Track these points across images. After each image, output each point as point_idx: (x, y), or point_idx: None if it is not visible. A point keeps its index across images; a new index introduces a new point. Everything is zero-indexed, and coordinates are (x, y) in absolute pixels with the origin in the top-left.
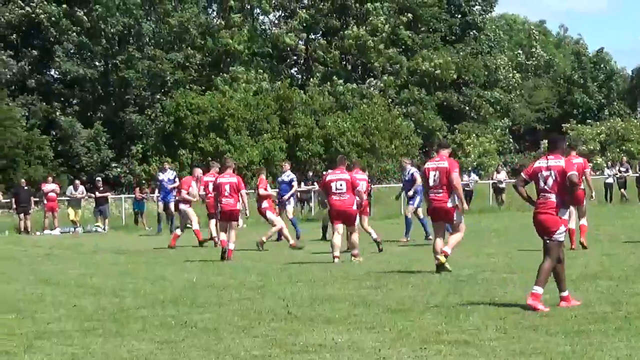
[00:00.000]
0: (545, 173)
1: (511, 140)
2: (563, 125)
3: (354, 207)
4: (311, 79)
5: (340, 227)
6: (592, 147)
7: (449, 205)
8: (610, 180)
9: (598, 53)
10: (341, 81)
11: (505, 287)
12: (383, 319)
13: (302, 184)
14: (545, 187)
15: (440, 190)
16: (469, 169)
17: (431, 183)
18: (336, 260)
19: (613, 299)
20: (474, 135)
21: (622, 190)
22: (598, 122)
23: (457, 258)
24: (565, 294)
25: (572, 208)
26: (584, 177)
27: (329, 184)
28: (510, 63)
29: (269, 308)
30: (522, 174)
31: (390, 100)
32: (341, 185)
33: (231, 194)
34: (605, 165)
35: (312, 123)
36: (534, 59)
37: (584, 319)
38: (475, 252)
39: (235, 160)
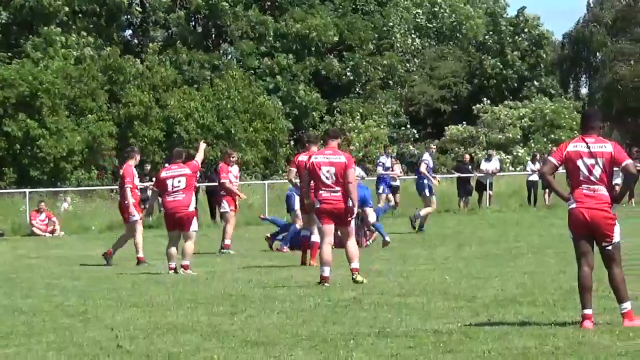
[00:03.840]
0: (588, 161)
1: (408, 124)
2: (474, 106)
3: (191, 208)
4: (150, 45)
5: (175, 234)
6: (510, 135)
7: (349, 204)
8: (534, 177)
9: (519, 14)
10: (186, 48)
11: (398, 314)
12: (241, 354)
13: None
14: (592, 177)
15: (337, 189)
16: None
17: (324, 180)
18: (171, 272)
19: (537, 330)
20: (358, 116)
21: (548, 190)
22: (520, 103)
23: (337, 277)
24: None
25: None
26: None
27: (163, 182)
28: (406, 25)
29: (94, 340)
30: (550, 157)
31: (251, 72)
32: (179, 182)
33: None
34: (528, 158)
35: (151, 101)
36: (437, 20)
37: (499, 356)
38: (360, 269)
39: (51, 148)
